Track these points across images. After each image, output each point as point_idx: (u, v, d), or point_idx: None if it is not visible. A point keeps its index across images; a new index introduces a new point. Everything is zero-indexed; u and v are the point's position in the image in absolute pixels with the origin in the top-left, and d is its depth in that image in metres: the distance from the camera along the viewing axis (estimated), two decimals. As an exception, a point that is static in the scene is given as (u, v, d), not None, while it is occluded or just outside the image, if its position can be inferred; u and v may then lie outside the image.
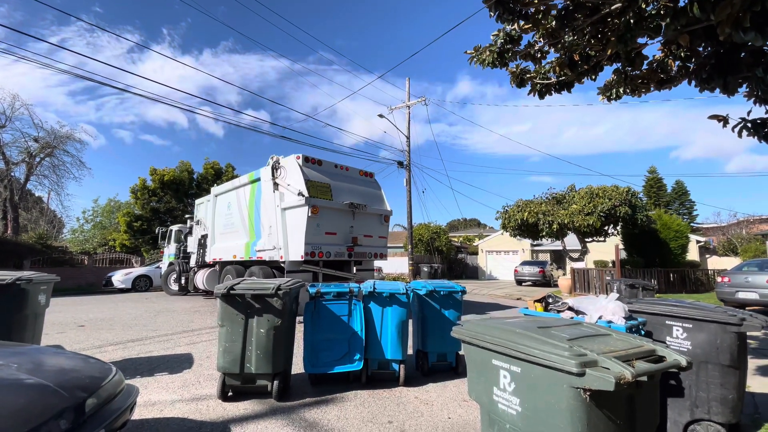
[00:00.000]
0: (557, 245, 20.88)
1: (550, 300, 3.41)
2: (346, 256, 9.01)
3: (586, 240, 17.21)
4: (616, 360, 1.59)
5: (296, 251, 8.20)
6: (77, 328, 7.26)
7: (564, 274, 20.03)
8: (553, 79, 5.13)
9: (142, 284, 15.34)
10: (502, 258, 29.45)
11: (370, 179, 10.39)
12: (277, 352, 3.76)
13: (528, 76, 5.20)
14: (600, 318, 2.89)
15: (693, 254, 20.78)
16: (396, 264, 23.86)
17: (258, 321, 3.76)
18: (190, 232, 13.74)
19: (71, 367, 2.69)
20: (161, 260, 15.99)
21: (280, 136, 75.47)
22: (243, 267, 9.81)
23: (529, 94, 5.48)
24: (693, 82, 4.72)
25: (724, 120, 4.84)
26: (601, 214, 14.24)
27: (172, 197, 24.75)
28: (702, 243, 22.60)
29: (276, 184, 8.80)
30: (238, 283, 3.82)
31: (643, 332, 3.01)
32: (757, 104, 4.42)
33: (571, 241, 19.20)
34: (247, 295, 3.69)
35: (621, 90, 5.50)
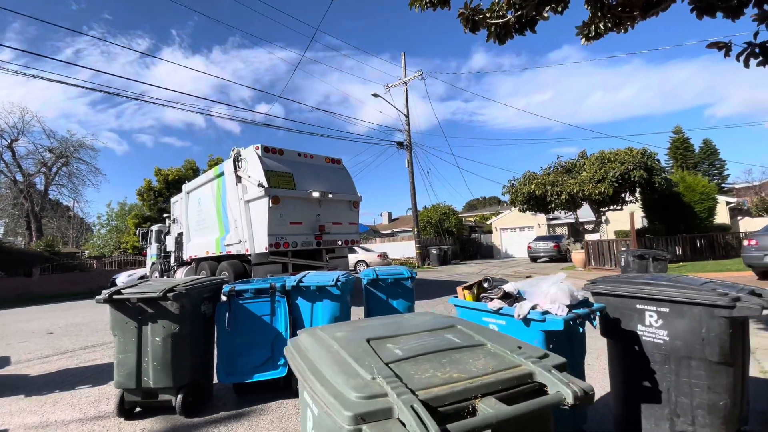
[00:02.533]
0: (578, 217, 19.56)
1: (486, 285, 2.69)
2: (315, 245, 8.79)
3: (601, 210, 16.00)
4: (420, 408, 0.90)
5: (260, 243, 8.00)
6: (44, 336, 7.07)
7: (582, 248, 18.83)
8: (510, 17, 4.24)
9: (145, 284, 15.41)
10: (517, 235, 28.28)
11: (338, 166, 10.10)
12: (178, 363, 3.24)
13: (480, 16, 4.33)
14: (533, 308, 2.16)
15: (722, 217, 19.08)
16: (404, 248, 23.26)
17: (152, 328, 3.22)
18: (168, 231, 13.61)
19: None
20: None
21: (290, 129, 75.35)
22: (216, 262, 9.61)
23: (488, 40, 4.60)
24: (688, 4, 3.78)
25: (726, 47, 3.87)
26: (613, 179, 13.04)
27: (178, 196, 24.88)
28: (732, 204, 20.73)
29: (238, 177, 8.50)
30: (128, 287, 3.31)
31: (595, 324, 2.27)
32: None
33: (588, 212, 17.95)
34: (133, 300, 3.16)
35: (601, 25, 4.56)
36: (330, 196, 9.00)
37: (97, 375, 4.56)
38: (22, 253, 16.40)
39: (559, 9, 4.21)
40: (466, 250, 27.64)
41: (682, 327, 2.30)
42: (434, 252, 21.33)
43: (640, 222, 20.29)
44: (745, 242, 9.00)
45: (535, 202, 15.81)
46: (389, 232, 32.73)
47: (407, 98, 21.27)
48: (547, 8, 4.14)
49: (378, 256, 18.64)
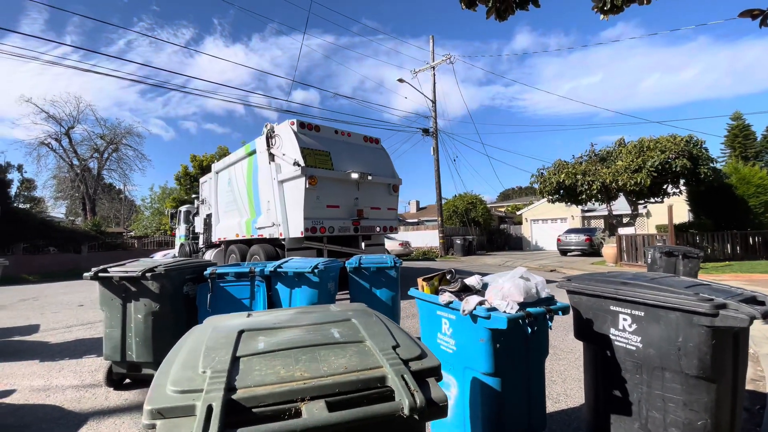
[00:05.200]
0: (614, 209, 18.29)
1: (449, 277, 2.54)
2: (352, 231, 8.22)
3: (638, 202, 14.93)
4: (217, 407, 0.83)
5: (296, 227, 7.57)
6: (75, 308, 7.67)
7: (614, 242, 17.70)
8: (511, -11, 3.91)
9: (177, 264, 16.26)
10: (548, 226, 27.11)
11: (376, 145, 9.45)
12: (158, 340, 3.36)
13: (478, -11, 4.02)
14: (480, 304, 2.00)
15: (784, 213, 17.11)
16: (428, 237, 22.99)
17: (135, 306, 3.36)
18: (197, 212, 13.57)
19: None
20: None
21: (322, 117, 76.09)
22: (246, 245, 9.28)
23: (488, 16, 4.29)
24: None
25: (762, 16, 3.38)
26: (651, 169, 12.04)
27: (212, 181, 26.00)
28: (798, 199, 18.52)
29: (272, 155, 7.98)
30: (114, 266, 3.46)
31: (550, 325, 2.07)
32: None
33: (626, 204, 16.80)
34: (116, 278, 3.30)
35: (619, -5, 4.14)
36: (369, 177, 8.30)
37: (104, 346, 4.89)
38: (73, 231, 17.90)
39: (566, -21, 3.84)
40: (494, 241, 26.90)
41: (657, 334, 2.05)
42: (458, 242, 20.92)
43: (686, 216, 18.75)
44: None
45: (566, 192, 15.00)
46: (416, 220, 32.49)
47: (434, 83, 20.73)
48: (550, -22, 3.79)
49: (399, 244, 18.56)
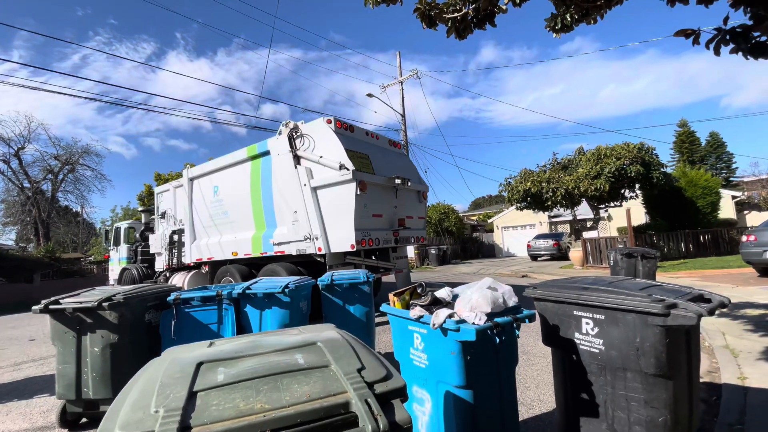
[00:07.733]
0: (577, 215, 19.09)
1: (420, 290, 2.55)
2: (393, 242, 7.35)
3: (599, 206, 15.69)
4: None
5: (343, 240, 6.56)
6: (26, 343, 7.09)
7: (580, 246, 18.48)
8: (467, 10, 4.09)
9: (142, 289, 15.34)
10: (518, 233, 27.92)
11: (400, 150, 8.91)
12: (118, 374, 3.16)
13: (436, 11, 4.17)
14: (450, 316, 2.02)
15: (728, 211, 18.54)
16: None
17: (91, 339, 3.16)
18: (148, 229, 11.62)
19: None
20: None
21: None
22: (248, 266, 8.04)
23: (448, 35, 4.45)
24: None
25: (694, 35, 3.70)
26: (609, 175, 12.73)
27: (178, 200, 25.03)
28: (739, 198, 20.14)
29: (297, 157, 7.02)
30: (67, 297, 3.24)
31: (517, 333, 2.12)
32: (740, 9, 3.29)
33: (588, 209, 17.64)
34: (69, 310, 3.09)
35: (567, 16, 4.42)
36: (409, 183, 7.55)
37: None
38: (23, 259, 16.66)
39: (518, 1, 4.06)
40: (468, 250, 27.36)
41: (617, 336, 2.15)
42: (433, 252, 21.13)
43: (643, 218, 19.88)
44: (744, 238, 8.68)
45: (532, 199, 15.54)
46: (391, 232, 32.61)
47: (403, 98, 21.16)
48: (505, 0, 4.00)
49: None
